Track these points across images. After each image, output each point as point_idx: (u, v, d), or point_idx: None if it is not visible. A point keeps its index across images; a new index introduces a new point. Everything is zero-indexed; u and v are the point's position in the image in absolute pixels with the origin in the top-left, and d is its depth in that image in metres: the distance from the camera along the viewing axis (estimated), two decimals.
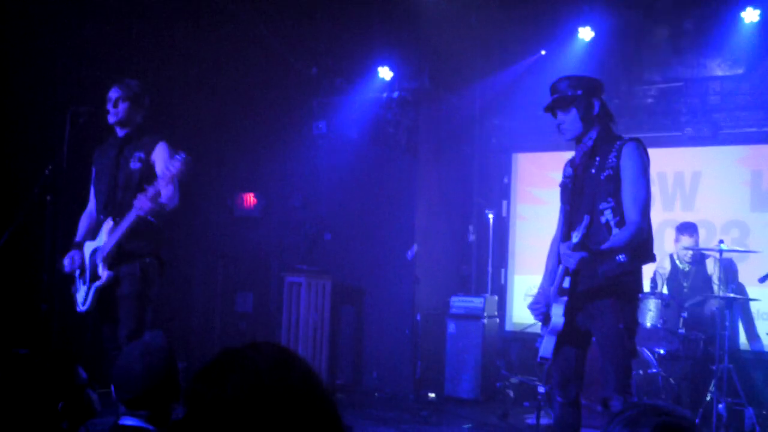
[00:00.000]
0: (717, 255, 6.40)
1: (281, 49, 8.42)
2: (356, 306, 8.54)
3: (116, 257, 4.55)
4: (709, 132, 8.02)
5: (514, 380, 7.79)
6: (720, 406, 5.98)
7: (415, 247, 8.26)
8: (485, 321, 7.68)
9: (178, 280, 8.66)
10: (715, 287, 6.77)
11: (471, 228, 8.98)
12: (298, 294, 8.05)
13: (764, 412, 6.69)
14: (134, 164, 4.64)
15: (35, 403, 2.42)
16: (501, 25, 8.28)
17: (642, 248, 3.95)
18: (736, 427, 6.23)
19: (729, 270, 6.93)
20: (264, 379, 1.31)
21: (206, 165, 8.85)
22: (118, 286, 4.56)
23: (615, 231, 3.83)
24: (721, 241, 6.38)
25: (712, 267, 6.97)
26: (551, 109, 4.11)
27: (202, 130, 8.72)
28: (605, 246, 3.77)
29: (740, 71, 7.87)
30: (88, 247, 4.70)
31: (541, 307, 4.11)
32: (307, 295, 8.02)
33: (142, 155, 4.64)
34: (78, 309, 4.67)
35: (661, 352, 6.40)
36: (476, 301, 7.78)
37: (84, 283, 4.65)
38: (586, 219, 3.76)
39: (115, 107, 4.74)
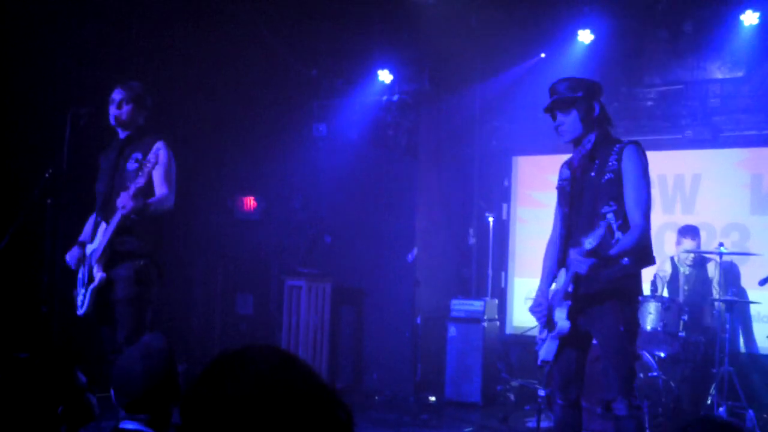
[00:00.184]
0: (717, 258, 6.39)
1: (281, 50, 8.42)
2: (356, 308, 8.54)
3: (109, 259, 4.52)
4: (709, 135, 8.02)
5: (514, 383, 7.78)
6: (720, 409, 5.97)
7: (416, 250, 8.26)
8: (485, 324, 7.67)
9: (179, 282, 8.66)
10: (715, 291, 6.76)
11: (471, 231, 8.98)
12: (299, 297, 8.05)
13: (765, 415, 6.68)
14: (131, 165, 4.62)
15: (35, 407, 2.42)
16: (501, 28, 8.28)
17: (644, 251, 3.95)
18: None
19: (730, 273, 6.93)
20: (263, 381, 1.30)
21: (206, 167, 8.87)
22: (113, 290, 4.53)
23: (617, 234, 3.81)
24: (721, 244, 6.38)
25: (712, 270, 6.97)
26: (551, 110, 4.10)
27: (202, 132, 8.73)
28: (614, 251, 3.75)
29: (740, 74, 7.86)
30: (89, 249, 4.70)
31: (542, 310, 4.11)
32: (307, 297, 8.02)
33: (139, 156, 4.62)
34: (77, 312, 4.66)
35: (662, 355, 6.39)
36: (476, 304, 7.77)
37: (83, 286, 4.64)
38: (601, 226, 3.70)
39: (119, 108, 4.73)
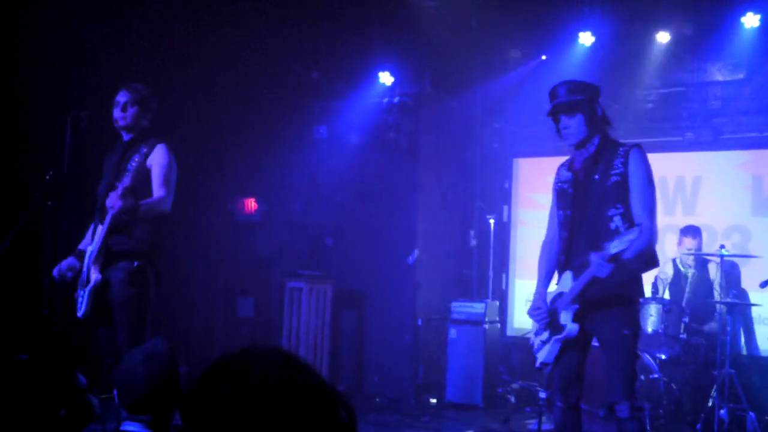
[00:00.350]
0: (718, 260, 6.39)
1: (282, 52, 8.42)
2: (357, 311, 8.53)
3: (105, 260, 4.49)
4: (710, 137, 8.02)
5: (515, 385, 7.78)
6: (722, 411, 5.96)
7: (416, 252, 8.26)
8: (486, 326, 7.67)
9: (180, 284, 8.66)
10: (716, 293, 6.76)
11: (472, 233, 8.98)
12: (299, 299, 8.05)
13: (766, 418, 6.67)
14: (131, 167, 4.60)
15: (36, 409, 2.42)
16: (502, 30, 8.28)
17: (652, 254, 4.00)
18: None
19: (731, 275, 6.92)
20: (263, 382, 1.30)
21: (207, 169, 8.87)
22: (110, 292, 4.49)
23: None
24: (722, 246, 6.38)
25: (714, 272, 6.96)
26: (556, 113, 4.09)
27: (203, 134, 8.73)
28: (628, 255, 3.75)
29: (741, 76, 7.87)
30: (88, 250, 4.69)
31: (542, 313, 4.11)
32: (308, 300, 8.02)
33: (139, 158, 4.60)
34: (77, 313, 4.65)
35: (663, 357, 6.39)
36: (477, 307, 7.77)
37: (81, 287, 4.63)
38: (634, 231, 3.68)
39: (123, 111, 4.68)
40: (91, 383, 2.66)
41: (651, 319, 6.43)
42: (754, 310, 7.15)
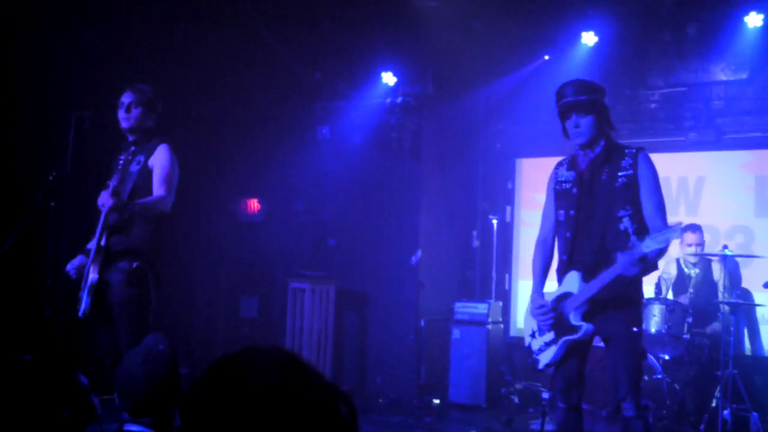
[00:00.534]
0: (721, 259, 6.38)
1: (285, 54, 8.42)
2: (360, 311, 8.53)
3: (104, 260, 4.47)
4: (713, 137, 8.01)
5: (518, 386, 7.77)
6: (725, 412, 5.95)
7: (419, 252, 8.26)
8: (489, 327, 7.66)
9: (182, 284, 8.67)
10: (720, 293, 6.75)
11: (475, 233, 8.97)
12: (302, 299, 8.05)
13: None
14: (133, 167, 4.60)
15: (38, 409, 2.41)
16: (504, 30, 8.28)
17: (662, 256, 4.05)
18: None
19: (734, 275, 6.91)
20: (263, 382, 1.30)
21: (209, 169, 8.88)
22: (109, 292, 4.48)
23: (633, 239, 3.85)
24: (725, 247, 6.36)
25: (717, 272, 6.95)
26: (568, 111, 4.06)
27: (205, 135, 8.74)
28: (653, 255, 3.79)
29: (744, 76, 7.85)
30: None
31: (547, 313, 4.08)
32: (311, 300, 8.02)
33: (141, 158, 4.60)
34: (78, 313, 4.64)
35: (666, 357, 6.38)
36: (480, 307, 7.76)
37: (83, 287, 4.63)
38: (669, 231, 3.72)
39: (128, 112, 4.67)
40: (92, 384, 2.66)
41: (654, 320, 6.41)
42: (759, 311, 7.14)
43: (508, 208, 9.12)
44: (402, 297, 8.27)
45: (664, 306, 6.43)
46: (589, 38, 7.91)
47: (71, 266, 4.67)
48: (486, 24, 8.17)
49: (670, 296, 6.91)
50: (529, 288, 4.29)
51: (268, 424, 1.26)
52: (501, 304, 8.13)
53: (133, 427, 2.72)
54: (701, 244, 7.01)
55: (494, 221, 8.12)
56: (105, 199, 4.34)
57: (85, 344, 4.75)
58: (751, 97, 7.89)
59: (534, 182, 8.92)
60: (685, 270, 7.10)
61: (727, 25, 7.56)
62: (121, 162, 4.58)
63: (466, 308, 7.81)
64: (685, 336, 6.39)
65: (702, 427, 6.14)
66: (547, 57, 8.45)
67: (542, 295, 4.18)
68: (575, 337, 3.97)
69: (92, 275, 4.45)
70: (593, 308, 3.96)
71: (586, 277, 3.96)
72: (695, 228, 7.02)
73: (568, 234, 4.10)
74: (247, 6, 8.00)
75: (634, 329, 3.98)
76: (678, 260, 7.16)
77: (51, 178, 4.88)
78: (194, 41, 8.09)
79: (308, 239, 8.80)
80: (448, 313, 7.96)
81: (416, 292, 8.22)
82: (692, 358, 6.55)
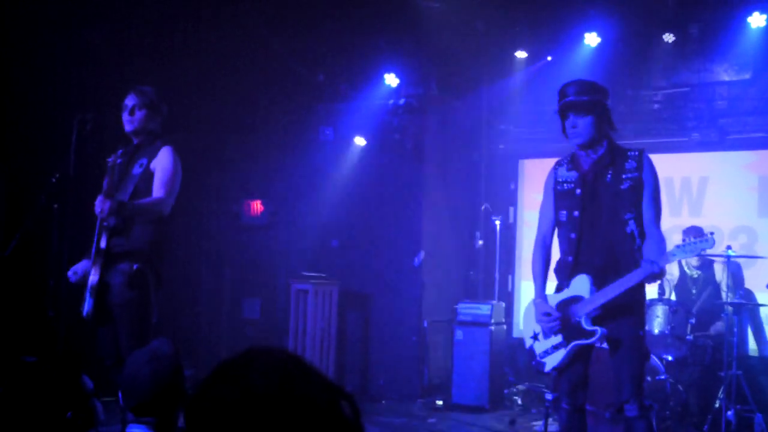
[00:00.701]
0: (724, 260, 6.37)
1: (287, 55, 8.43)
2: (363, 313, 8.53)
3: (105, 262, 4.46)
4: (716, 137, 8.00)
5: (521, 387, 7.77)
6: (729, 412, 5.94)
7: (422, 254, 8.26)
8: (492, 328, 7.66)
9: (185, 286, 8.68)
10: (723, 294, 6.74)
11: (478, 234, 8.97)
12: (305, 301, 8.05)
13: None
14: (136, 170, 4.59)
15: (42, 411, 2.42)
16: (507, 31, 8.28)
17: None
18: None
19: (737, 275, 6.91)
20: (266, 383, 1.30)
21: (212, 171, 8.88)
22: (110, 294, 4.46)
23: (638, 242, 3.90)
24: (729, 247, 6.36)
25: (720, 273, 6.94)
26: (566, 110, 4.07)
27: (208, 136, 8.74)
28: (666, 260, 3.85)
29: (747, 76, 7.85)
30: None
31: (555, 318, 4.06)
32: (314, 302, 8.02)
33: (144, 161, 4.59)
34: (83, 314, 4.64)
35: (670, 358, 6.37)
36: (483, 308, 7.75)
37: (87, 289, 4.63)
38: (709, 240, 3.81)
39: (131, 115, 4.65)
40: (96, 386, 2.67)
41: (658, 320, 6.41)
42: (763, 311, 7.13)
43: (511, 209, 9.12)
44: (405, 298, 8.27)
45: (667, 307, 6.42)
46: (591, 39, 7.91)
47: (72, 270, 4.67)
48: (489, 25, 8.17)
49: (672, 297, 6.91)
50: (532, 289, 4.26)
51: (271, 425, 1.26)
52: (504, 305, 8.12)
53: (137, 428, 2.72)
54: None
55: (497, 222, 8.12)
56: (99, 203, 4.35)
57: (87, 346, 4.75)
58: (754, 97, 7.88)
59: (537, 183, 8.88)
60: (687, 271, 7.10)
61: (729, 25, 7.56)
62: (109, 164, 4.56)
63: (469, 309, 7.80)
64: (688, 337, 6.39)
65: (705, 428, 6.13)
66: (549, 58, 8.44)
67: (545, 298, 4.14)
68: (589, 341, 3.95)
69: (92, 277, 4.45)
70: (603, 312, 3.97)
71: (596, 281, 3.95)
72: (697, 233, 7.00)
73: (572, 235, 4.06)
74: (249, 7, 8.00)
75: (641, 332, 4.00)
76: (680, 261, 7.15)
77: (54, 180, 4.88)
78: (196, 42, 8.09)
79: (311, 241, 8.80)
80: (451, 314, 7.96)
81: (419, 293, 8.22)
82: (695, 358, 6.55)
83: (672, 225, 7.77)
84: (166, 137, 4.75)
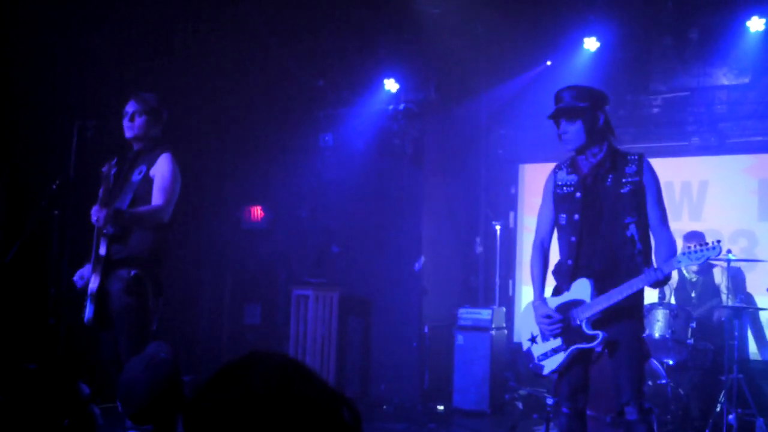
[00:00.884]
0: (724, 264, 6.37)
1: (287, 61, 8.44)
2: (364, 318, 8.53)
3: (104, 269, 4.47)
4: (716, 141, 8.00)
5: (522, 392, 7.76)
6: (730, 416, 5.94)
7: (423, 259, 8.26)
8: (493, 333, 7.65)
9: (186, 291, 8.67)
10: (724, 297, 6.74)
11: (478, 239, 8.97)
12: (306, 306, 8.05)
13: None
14: (135, 177, 4.59)
15: (40, 418, 2.42)
16: (507, 36, 8.29)
17: None
18: None
19: (736, 279, 6.90)
20: (265, 389, 1.30)
21: (213, 177, 8.89)
22: (109, 300, 4.47)
23: (638, 246, 3.92)
24: (729, 251, 6.35)
25: (719, 276, 6.94)
26: (556, 117, 4.11)
27: (209, 142, 8.75)
28: (671, 266, 3.89)
29: (746, 80, 7.85)
30: None
31: (556, 321, 4.07)
32: (314, 307, 8.02)
33: (143, 168, 4.59)
34: (84, 320, 4.64)
35: (670, 362, 6.37)
36: (484, 313, 7.75)
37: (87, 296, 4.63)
38: (711, 249, 3.86)
39: (132, 121, 4.65)
40: (94, 392, 2.66)
41: (658, 325, 6.40)
42: (762, 315, 7.12)
43: (512, 214, 9.11)
44: (405, 303, 8.26)
45: (668, 311, 6.42)
46: (591, 43, 7.92)
47: (78, 274, 4.68)
48: (488, 30, 8.19)
49: (672, 301, 6.90)
50: (533, 293, 4.27)
51: (271, 427, 1.26)
52: (504, 309, 8.12)
53: None
54: None
55: (497, 227, 8.12)
56: (95, 212, 4.35)
57: (89, 352, 4.75)
58: (754, 101, 7.88)
59: (537, 188, 8.82)
60: (686, 275, 7.09)
61: (729, 29, 7.57)
62: (103, 173, 4.56)
63: (469, 314, 7.81)
64: (689, 341, 6.38)
65: (707, 431, 6.13)
66: (549, 62, 8.46)
67: (545, 301, 4.16)
68: (590, 345, 3.96)
69: (92, 284, 4.46)
70: (603, 316, 3.97)
71: (598, 285, 3.96)
72: (700, 240, 7.00)
73: (573, 238, 4.08)
74: (250, 14, 8.02)
75: (640, 335, 4.03)
76: None
77: (55, 186, 4.88)
78: (197, 48, 8.11)
79: (311, 246, 8.81)
80: (451, 319, 7.96)
81: (420, 299, 8.22)
82: (696, 362, 6.54)
83: (672, 229, 7.70)
84: (166, 144, 4.75)
